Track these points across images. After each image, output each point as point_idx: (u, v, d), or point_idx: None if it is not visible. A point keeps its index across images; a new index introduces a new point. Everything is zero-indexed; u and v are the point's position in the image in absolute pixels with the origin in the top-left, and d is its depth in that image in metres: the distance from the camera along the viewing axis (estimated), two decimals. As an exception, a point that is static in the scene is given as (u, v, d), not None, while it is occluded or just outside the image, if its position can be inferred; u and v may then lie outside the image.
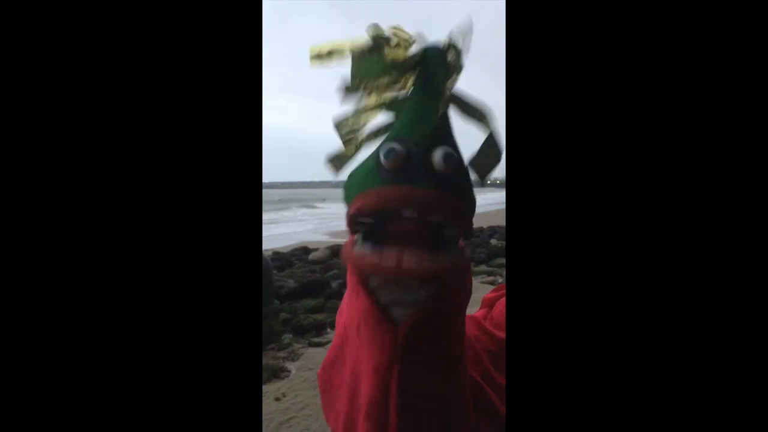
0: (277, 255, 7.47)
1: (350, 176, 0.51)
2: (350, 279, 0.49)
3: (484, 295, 0.75)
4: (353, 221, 0.47)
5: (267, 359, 3.61)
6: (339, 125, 0.53)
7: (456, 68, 0.50)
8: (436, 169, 0.45)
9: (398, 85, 0.52)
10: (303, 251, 7.96)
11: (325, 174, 0.56)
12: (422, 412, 0.48)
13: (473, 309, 0.74)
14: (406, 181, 0.46)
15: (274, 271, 5.29)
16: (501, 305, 0.67)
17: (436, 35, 0.51)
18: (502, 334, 0.62)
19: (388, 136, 0.50)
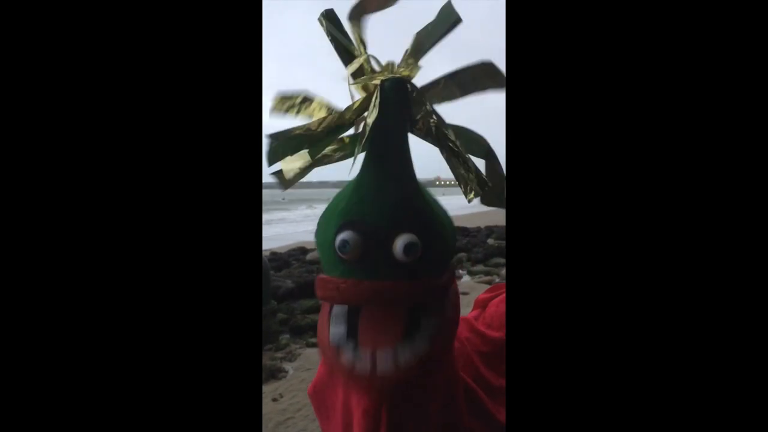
0: (274, 255, 7.44)
1: (319, 224, 0.48)
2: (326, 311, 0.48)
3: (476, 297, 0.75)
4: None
5: (264, 360, 3.60)
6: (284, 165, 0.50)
7: (419, 103, 0.45)
8: (397, 259, 0.43)
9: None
10: (300, 251, 7.93)
11: (323, 174, 0.55)
12: None
13: (467, 310, 0.74)
14: (365, 273, 0.43)
15: (272, 272, 5.27)
16: (494, 305, 0.67)
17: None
18: (494, 334, 0.62)
19: (342, 211, 0.46)
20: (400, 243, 0.42)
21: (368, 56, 0.47)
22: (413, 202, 0.45)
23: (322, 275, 0.47)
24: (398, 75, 0.46)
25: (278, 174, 0.51)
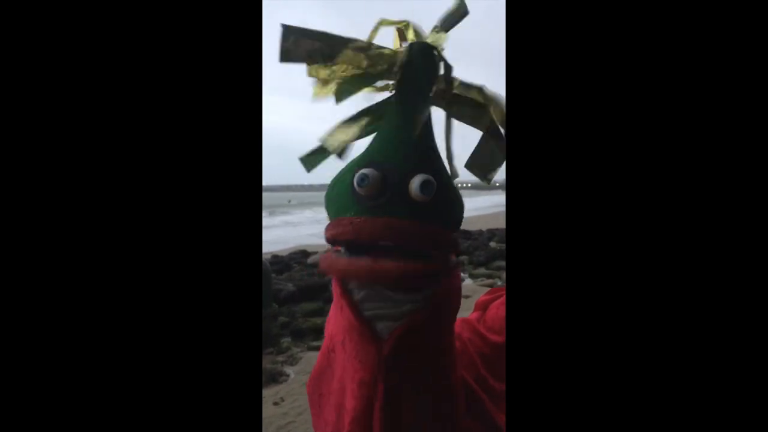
0: (276, 258, 7.47)
1: (331, 186, 0.49)
2: (335, 291, 0.48)
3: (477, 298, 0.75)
4: (331, 243, 0.46)
5: (265, 363, 3.60)
6: (326, 139, 0.50)
7: (444, 68, 0.47)
8: (413, 197, 0.43)
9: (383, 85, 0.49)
10: (302, 254, 7.96)
11: (324, 177, 0.54)
12: (408, 427, 0.46)
13: (467, 312, 0.73)
14: (381, 210, 0.43)
15: (273, 275, 5.28)
16: (494, 308, 0.67)
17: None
18: (495, 337, 0.61)
19: (363, 154, 0.47)
20: (417, 181, 0.43)
21: (406, 23, 0.48)
22: (430, 150, 0.47)
23: (333, 220, 0.47)
24: (427, 42, 0.48)
25: (308, 156, 0.50)
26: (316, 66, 0.48)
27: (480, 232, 10.13)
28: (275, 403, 2.97)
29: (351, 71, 0.48)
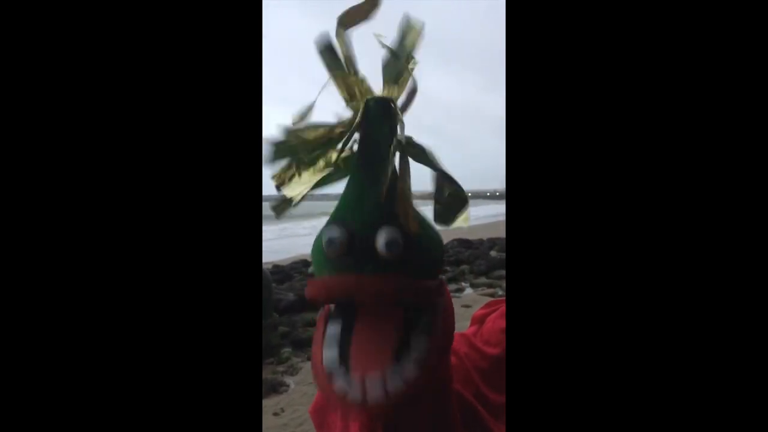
0: (276, 268, 7.43)
1: (316, 238, 0.50)
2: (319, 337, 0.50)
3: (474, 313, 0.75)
4: (312, 303, 0.49)
5: (265, 373, 3.57)
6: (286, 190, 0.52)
7: (401, 122, 0.48)
8: (381, 255, 0.45)
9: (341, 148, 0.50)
10: (303, 264, 7.92)
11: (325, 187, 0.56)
12: None
13: (467, 322, 0.73)
14: (350, 268, 0.46)
15: (274, 284, 5.26)
16: (491, 321, 0.67)
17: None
18: (491, 350, 0.62)
19: (331, 214, 0.49)
20: (381, 238, 0.45)
21: (357, 78, 0.50)
22: (394, 203, 0.47)
23: (310, 279, 0.50)
24: (382, 96, 0.49)
25: (277, 206, 0.53)
26: (281, 176, 0.51)
27: (481, 242, 10.08)
28: (275, 414, 2.94)
29: (317, 170, 0.51)
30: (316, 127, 0.49)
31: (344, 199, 0.49)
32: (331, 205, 0.52)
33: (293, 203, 0.52)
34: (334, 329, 0.48)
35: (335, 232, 0.46)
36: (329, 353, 0.46)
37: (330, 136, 0.49)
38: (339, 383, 0.44)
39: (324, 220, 0.51)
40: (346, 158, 0.52)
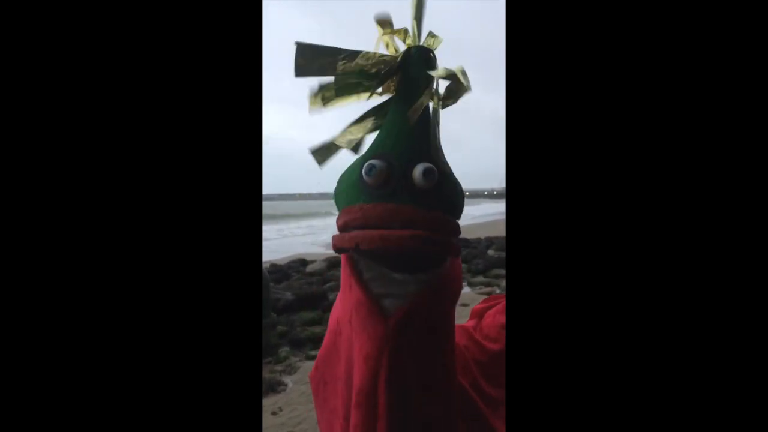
0: (274, 267, 7.44)
1: (339, 182, 0.52)
2: (344, 272, 0.51)
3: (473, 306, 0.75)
4: (341, 231, 0.49)
5: (264, 373, 3.58)
6: (339, 139, 0.52)
7: (438, 69, 0.50)
8: (416, 185, 0.46)
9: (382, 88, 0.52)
10: (300, 263, 7.93)
11: (321, 186, 0.56)
12: (411, 401, 0.48)
13: (464, 320, 0.73)
14: (388, 197, 0.47)
15: (271, 284, 5.26)
16: (490, 316, 0.67)
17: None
18: (491, 345, 0.63)
19: (369, 148, 0.51)
20: (419, 169, 0.46)
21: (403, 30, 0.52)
22: (431, 142, 0.49)
23: (344, 209, 0.50)
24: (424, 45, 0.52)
25: (317, 150, 0.52)
26: (317, 98, 0.51)
27: (478, 241, 10.11)
28: (273, 413, 2.95)
29: (351, 78, 0.51)
30: (357, 55, 0.50)
31: (381, 135, 0.51)
32: (331, 204, 0.53)
33: (340, 148, 0.52)
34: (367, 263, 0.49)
35: (376, 161, 0.47)
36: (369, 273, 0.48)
37: (371, 68, 0.50)
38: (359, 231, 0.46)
39: (322, 219, 0.51)
40: (382, 107, 0.53)
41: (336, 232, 0.49)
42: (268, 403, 3.08)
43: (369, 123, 0.54)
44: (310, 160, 0.54)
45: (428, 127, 0.50)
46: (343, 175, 0.52)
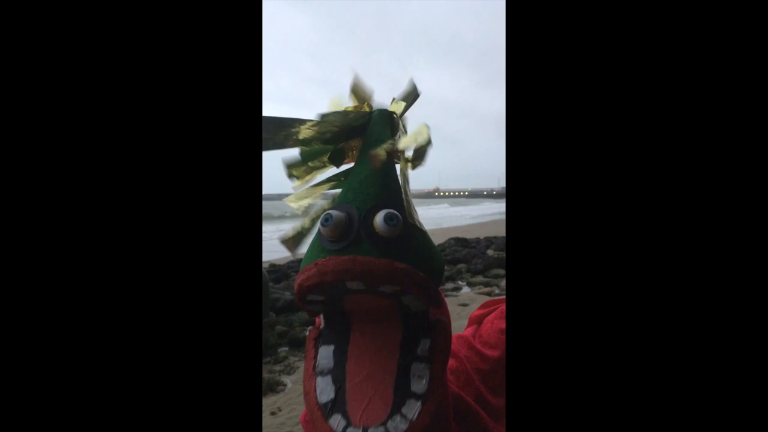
0: (273, 267, 7.42)
1: (311, 244, 0.49)
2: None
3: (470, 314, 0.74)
4: (302, 300, 0.45)
5: (263, 373, 3.57)
6: (290, 200, 0.53)
7: (400, 130, 0.51)
8: (379, 233, 0.43)
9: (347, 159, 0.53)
10: (299, 263, 7.90)
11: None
12: None
13: (465, 320, 0.73)
14: (346, 249, 0.43)
15: (271, 284, 5.26)
16: (488, 322, 0.66)
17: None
18: (491, 352, 0.61)
19: (331, 202, 0.50)
20: (380, 214, 0.43)
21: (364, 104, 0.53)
22: (396, 192, 0.47)
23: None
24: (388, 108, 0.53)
25: (288, 240, 0.52)
26: (293, 168, 0.52)
27: (477, 240, 10.11)
28: (272, 413, 2.94)
29: (315, 144, 0.51)
30: (338, 114, 0.50)
31: (343, 190, 0.49)
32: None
33: (306, 229, 0.52)
34: (326, 354, 0.46)
35: (333, 212, 0.44)
36: (323, 386, 0.44)
37: (334, 129, 0.50)
38: (338, 423, 0.43)
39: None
40: (343, 173, 0.53)
41: None
42: (267, 403, 3.07)
43: (325, 187, 0.54)
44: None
45: (394, 178, 0.49)
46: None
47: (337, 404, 0.43)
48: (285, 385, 3.43)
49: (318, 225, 0.46)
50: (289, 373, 3.66)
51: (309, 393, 0.45)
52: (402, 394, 0.43)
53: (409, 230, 0.45)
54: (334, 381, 0.45)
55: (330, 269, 0.42)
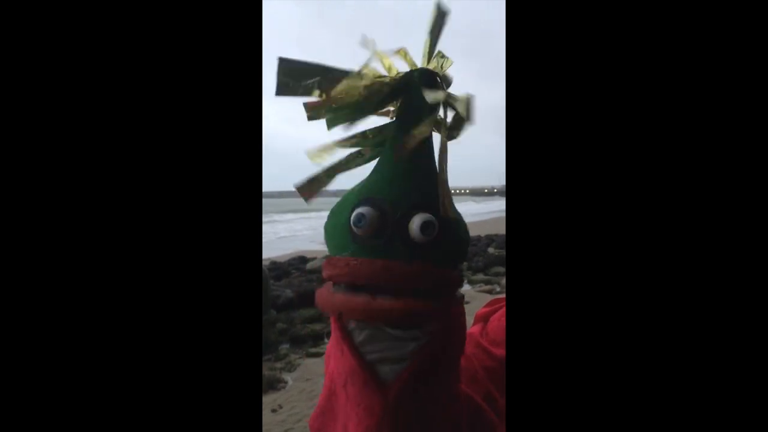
0: (274, 264, 7.44)
1: (329, 217, 0.47)
2: (334, 333, 0.46)
3: (477, 309, 0.74)
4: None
5: (263, 370, 3.59)
6: (312, 154, 0.46)
7: (437, 93, 0.44)
8: (413, 238, 0.42)
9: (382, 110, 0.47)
10: (300, 260, 7.93)
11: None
12: None
13: (469, 318, 0.73)
14: (379, 251, 0.42)
15: (271, 281, 5.27)
16: (495, 320, 0.66)
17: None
18: (498, 351, 0.61)
19: (360, 188, 0.46)
20: (417, 221, 0.41)
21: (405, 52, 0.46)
22: (432, 183, 0.44)
23: (330, 258, 0.45)
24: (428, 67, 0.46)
25: (304, 185, 0.47)
26: (315, 107, 0.45)
27: (478, 238, 10.12)
28: (273, 411, 2.95)
29: (347, 99, 0.45)
30: (355, 77, 0.43)
31: (375, 176, 0.46)
32: (333, 202, 0.49)
33: (325, 183, 0.47)
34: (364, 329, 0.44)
35: (366, 209, 0.42)
36: (335, 291, 0.44)
37: (368, 101, 0.44)
38: (345, 296, 0.43)
39: (320, 215, 0.49)
40: (376, 138, 0.48)
41: None
42: (268, 400, 3.08)
43: (353, 142, 0.47)
44: (295, 155, 0.52)
45: (431, 166, 0.45)
46: (332, 210, 0.47)
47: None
48: (286, 383, 3.44)
49: (348, 214, 0.43)
50: (289, 371, 3.67)
51: (343, 355, 0.44)
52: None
53: (445, 227, 0.43)
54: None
55: (362, 273, 0.42)
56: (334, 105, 0.45)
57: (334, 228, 0.46)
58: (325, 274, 0.45)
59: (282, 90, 0.44)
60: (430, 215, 0.42)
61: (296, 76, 0.44)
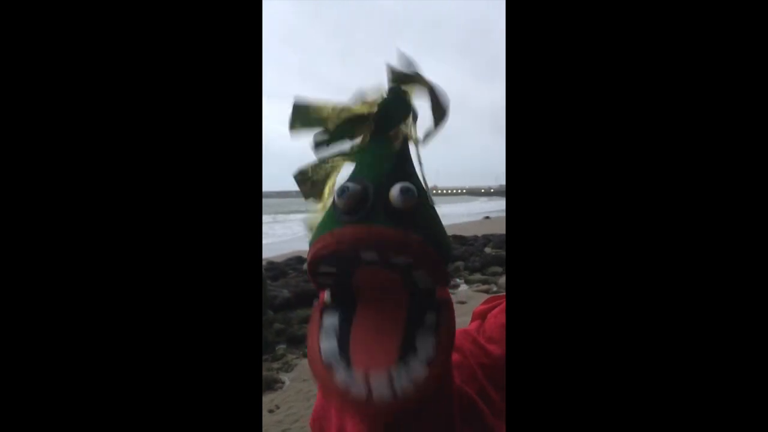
0: (271, 265, 7.42)
1: (317, 224, 0.50)
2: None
3: (474, 308, 0.74)
4: (314, 272, 0.46)
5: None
6: (299, 177, 0.54)
7: (413, 110, 0.51)
8: (394, 205, 0.44)
9: (361, 134, 0.53)
10: (297, 261, 7.91)
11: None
12: None
13: (465, 319, 0.73)
14: (362, 220, 0.44)
15: (268, 281, 5.25)
16: (492, 317, 0.66)
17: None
18: (495, 348, 0.61)
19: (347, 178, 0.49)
20: (397, 187, 0.44)
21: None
22: (411, 171, 0.48)
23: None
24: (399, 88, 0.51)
25: (299, 176, 0.55)
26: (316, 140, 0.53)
27: (475, 238, 10.13)
28: (270, 411, 2.95)
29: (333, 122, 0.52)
30: (338, 106, 0.51)
31: (357, 164, 0.50)
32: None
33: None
34: (331, 320, 0.46)
35: (349, 183, 0.45)
36: (327, 344, 0.45)
37: (351, 114, 0.51)
38: (340, 376, 0.42)
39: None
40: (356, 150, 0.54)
41: None
42: (265, 400, 3.08)
43: (333, 162, 0.54)
44: (309, 157, 0.54)
45: (408, 157, 0.50)
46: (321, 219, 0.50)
47: (341, 350, 0.44)
48: (283, 383, 3.43)
49: (333, 196, 0.47)
50: (287, 371, 3.67)
51: (313, 351, 0.45)
52: (407, 356, 0.44)
53: (424, 206, 0.46)
54: (338, 338, 0.45)
55: (346, 238, 0.43)
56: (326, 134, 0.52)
57: (320, 224, 0.49)
58: (310, 255, 0.46)
59: (292, 127, 0.51)
60: (409, 183, 0.45)
61: (305, 115, 0.51)
